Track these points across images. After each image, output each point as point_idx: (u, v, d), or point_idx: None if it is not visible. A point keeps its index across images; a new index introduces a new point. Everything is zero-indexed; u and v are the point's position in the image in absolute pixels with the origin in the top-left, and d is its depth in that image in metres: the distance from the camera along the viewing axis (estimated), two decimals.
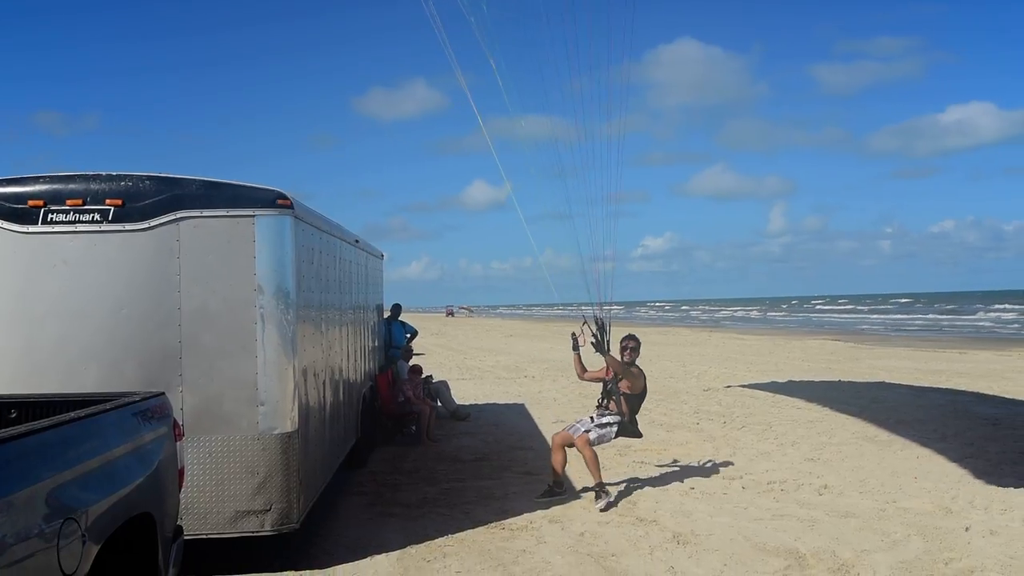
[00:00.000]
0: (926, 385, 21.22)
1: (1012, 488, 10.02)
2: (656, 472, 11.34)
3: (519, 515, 9.16)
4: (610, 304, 10.47)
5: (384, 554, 7.89)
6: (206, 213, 7.11)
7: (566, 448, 10.08)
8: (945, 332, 56.99)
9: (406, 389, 14.48)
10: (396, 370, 15.77)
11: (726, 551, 7.80)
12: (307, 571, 7.39)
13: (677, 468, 11.54)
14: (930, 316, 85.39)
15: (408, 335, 17.40)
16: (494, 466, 11.86)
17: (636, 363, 10.20)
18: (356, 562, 7.66)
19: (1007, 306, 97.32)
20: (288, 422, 7.14)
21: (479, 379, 25.03)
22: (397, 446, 13.59)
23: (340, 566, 7.54)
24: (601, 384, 10.34)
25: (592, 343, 10.07)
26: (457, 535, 8.46)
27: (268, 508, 7.06)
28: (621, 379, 10.07)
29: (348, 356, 10.64)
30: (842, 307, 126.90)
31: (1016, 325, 63.90)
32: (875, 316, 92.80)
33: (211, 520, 7.00)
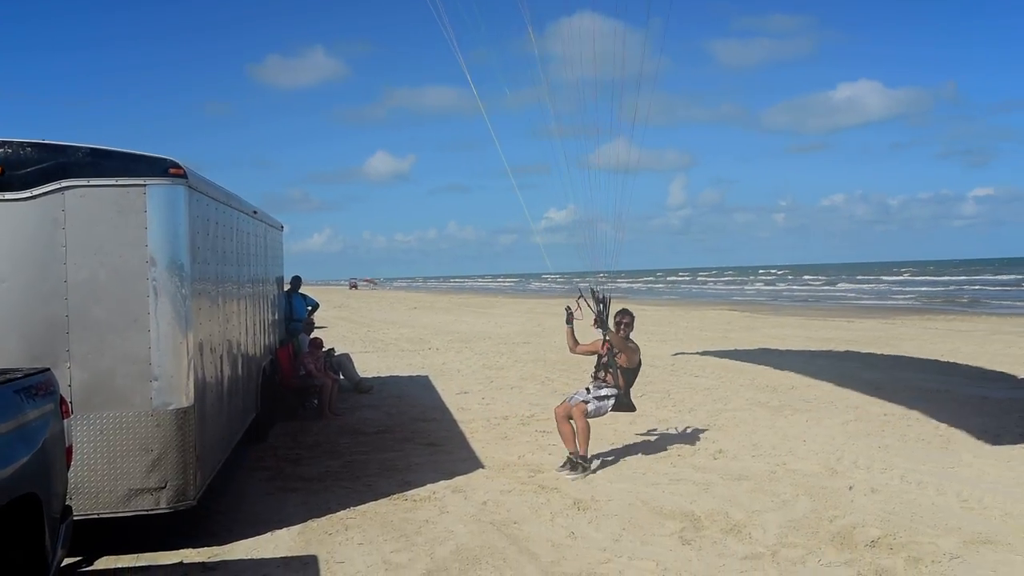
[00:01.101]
0: (815, 350, 22.09)
1: (892, 448, 10.57)
2: (557, 440, 11.48)
3: (422, 486, 9.18)
4: (613, 276, 10.56)
5: (285, 529, 7.81)
6: (94, 182, 6.82)
7: (568, 419, 10.00)
8: (835, 302, 59.31)
9: (307, 362, 14.29)
10: (297, 343, 15.55)
11: (625, 515, 8.00)
12: (205, 548, 7.26)
13: None
14: (821, 287, 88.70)
15: (309, 308, 17.14)
16: (397, 438, 11.84)
17: (631, 337, 10.27)
18: (256, 538, 7.56)
19: (892, 277, 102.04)
20: (183, 397, 6.96)
21: (382, 352, 24.89)
22: (299, 420, 13.42)
23: (239, 542, 7.43)
24: (595, 357, 10.39)
25: (594, 318, 10.12)
26: (359, 507, 8.44)
27: (163, 485, 6.89)
28: (619, 353, 10.10)
29: (247, 329, 10.42)
30: (737, 278, 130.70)
31: (900, 295, 66.93)
32: (768, 287, 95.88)
33: (103, 499, 6.79)
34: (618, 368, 10.14)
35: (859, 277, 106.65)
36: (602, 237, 10.68)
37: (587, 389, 10.27)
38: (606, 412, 10.15)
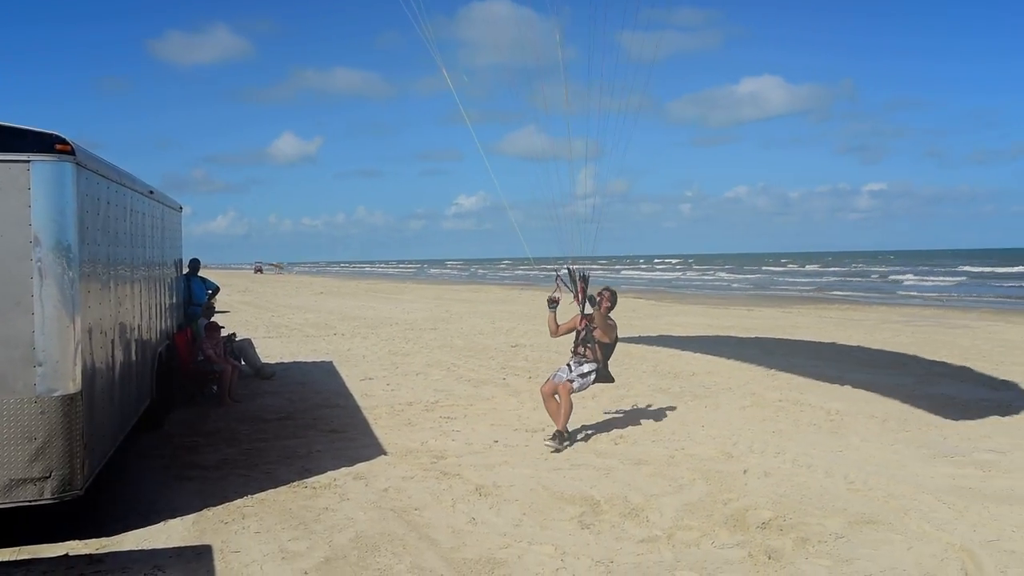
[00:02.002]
0: (717, 336, 22.67)
1: (785, 433, 10.93)
2: (461, 427, 11.51)
3: (323, 473, 9.06)
4: (590, 259, 11.01)
5: (179, 518, 7.60)
6: None
7: (555, 396, 10.58)
8: (736, 291, 60.94)
9: (206, 348, 13.92)
10: (196, 328, 15.12)
11: (525, 501, 8.06)
12: (94, 540, 7.00)
13: (482, 423, 11.77)
14: (723, 276, 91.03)
15: (209, 291, 16.67)
16: (298, 425, 11.65)
17: (610, 315, 10.71)
18: (148, 527, 7.33)
19: (794, 267, 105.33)
20: (70, 383, 6.68)
21: (286, 337, 24.45)
22: (197, 407, 13.07)
23: (130, 532, 7.19)
24: (574, 334, 10.80)
25: (574, 296, 10.63)
26: (257, 495, 8.27)
27: (48, 475, 6.61)
28: (596, 328, 10.54)
29: (141, 314, 10.08)
30: (645, 267, 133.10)
31: (800, 284, 69.23)
32: (672, 275, 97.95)
33: None
34: (596, 343, 10.63)
35: (765, 268, 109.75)
36: (570, 223, 10.99)
37: (569, 366, 10.72)
38: (588, 387, 10.73)
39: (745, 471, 9.07)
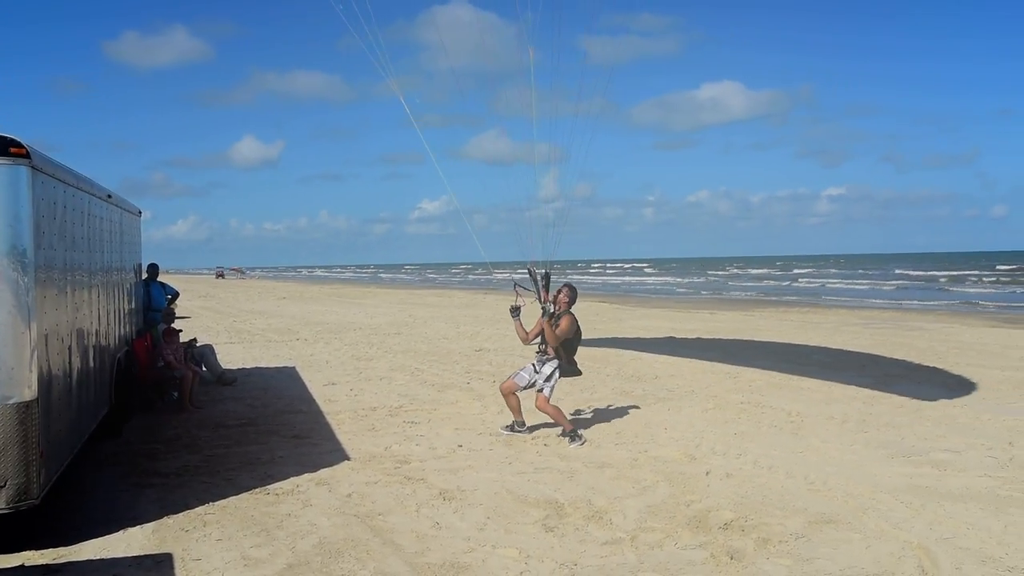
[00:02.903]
0: (679, 339, 22.84)
1: (747, 435, 11.04)
2: (425, 431, 11.48)
3: (285, 479, 8.99)
4: (550, 263, 11.31)
5: (139, 526, 7.49)
6: None
7: (514, 393, 11.05)
8: (700, 295, 61.46)
9: (165, 353, 13.75)
10: (156, 334, 14.92)
11: (490, 504, 8.05)
12: (50, 549, 6.88)
13: (446, 427, 11.74)
14: (687, 280, 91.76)
15: (169, 296, 16.48)
16: (261, 431, 11.55)
17: (571, 311, 10.94)
18: (107, 536, 7.22)
19: (753, 271, 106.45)
20: (25, 390, 6.56)
21: (248, 342, 24.23)
22: (157, 413, 12.91)
23: (88, 542, 7.07)
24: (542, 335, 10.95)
25: (535, 298, 10.99)
26: (219, 503, 8.18)
27: (3, 484, 6.48)
28: (558, 326, 10.76)
29: (99, 319, 9.93)
30: (611, 271, 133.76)
31: (756, 290, 69.96)
32: (635, 279, 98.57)
33: None
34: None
35: (731, 271, 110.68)
36: (533, 227, 11.25)
37: (533, 366, 11.00)
38: (557, 383, 10.94)
39: (707, 473, 9.15)
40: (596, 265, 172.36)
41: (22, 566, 6.57)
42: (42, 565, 6.58)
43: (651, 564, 6.54)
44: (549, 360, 10.84)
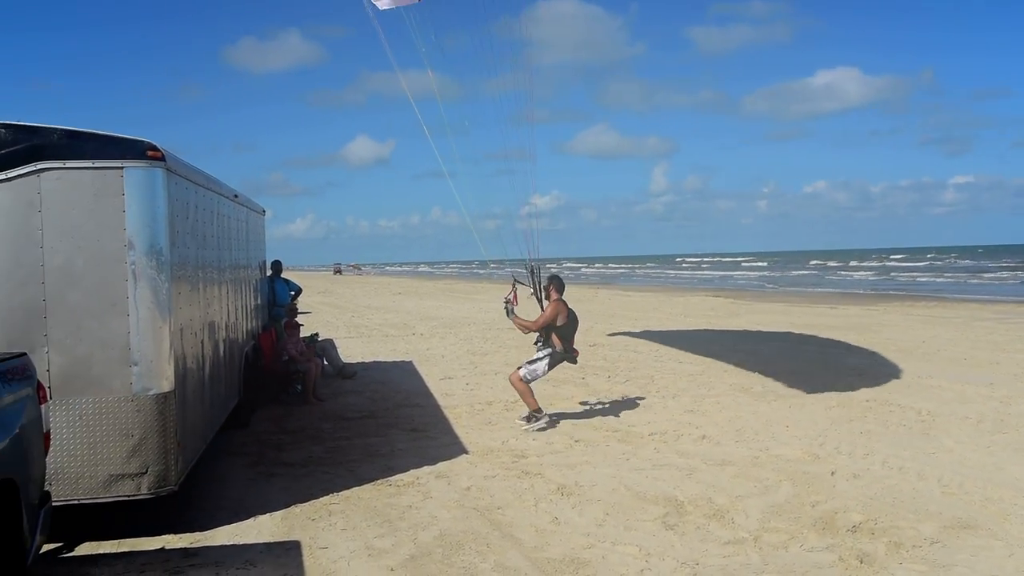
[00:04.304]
0: (799, 334, 22.17)
1: (873, 434, 10.62)
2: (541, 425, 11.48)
3: (405, 471, 9.15)
4: (537, 259, 12.18)
5: (268, 514, 7.77)
6: (70, 165, 6.71)
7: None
8: (819, 288, 59.56)
9: (289, 348, 14.21)
10: (280, 329, 15.45)
11: (608, 501, 8.00)
12: (187, 534, 7.21)
13: (562, 422, 11.74)
14: (805, 272, 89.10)
15: (292, 292, 17.04)
16: (380, 423, 11.81)
17: (562, 299, 11.70)
18: (239, 523, 7.52)
19: (874, 264, 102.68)
20: (164, 382, 6.89)
21: (367, 337, 24.81)
22: (282, 406, 13.36)
23: (221, 528, 7.39)
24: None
25: (531, 293, 12.01)
26: (342, 493, 8.41)
27: (144, 471, 6.83)
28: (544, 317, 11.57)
29: (229, 314, 10.34)
30: (724, 263, 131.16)
31: (877, 283, 67.37)
32: (753, 272, 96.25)
33: (83, 485, 6.72)
34: (552, 329, 11.59)
35: (852, 263, 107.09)
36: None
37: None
38: (543, 373, 11.66)
39: (833, 473, 8.84)
40: (705, 257, 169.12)
41: (163, 548, 6.90)
42: (181, 548, 6.90)
43: (776, 566, 6.36)
44: (540, 349, 11.65)
